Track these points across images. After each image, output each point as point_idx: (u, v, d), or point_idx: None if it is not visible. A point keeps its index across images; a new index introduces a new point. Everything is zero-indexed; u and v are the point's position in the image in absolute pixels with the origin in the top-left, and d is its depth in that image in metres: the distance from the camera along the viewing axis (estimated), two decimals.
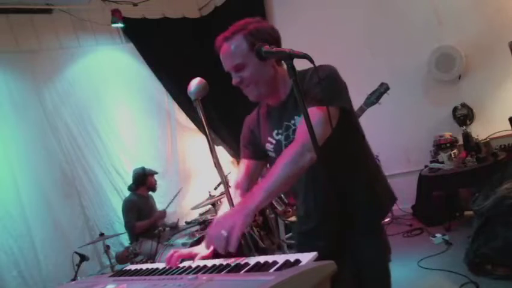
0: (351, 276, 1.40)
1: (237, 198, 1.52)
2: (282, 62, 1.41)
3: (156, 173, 4.54)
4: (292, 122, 1.43)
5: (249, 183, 1.60)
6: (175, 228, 4.34)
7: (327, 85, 1.31)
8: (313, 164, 1.23)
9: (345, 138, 1.37)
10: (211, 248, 1.35)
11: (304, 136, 1.14)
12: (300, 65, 1.22)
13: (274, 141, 1.50)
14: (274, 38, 1.38)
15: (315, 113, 1.23)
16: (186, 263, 1.29)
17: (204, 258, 1.32)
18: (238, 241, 1.07)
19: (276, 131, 1.49)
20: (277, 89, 1.45)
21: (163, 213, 4.46)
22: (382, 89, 2.89)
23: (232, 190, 1.56)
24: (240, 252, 1.13)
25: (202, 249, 1.37)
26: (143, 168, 4.42)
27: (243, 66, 1.36)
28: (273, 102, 1.50)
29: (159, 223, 4.28)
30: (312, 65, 1.15)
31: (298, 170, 1.23)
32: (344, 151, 1.39)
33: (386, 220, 4.69)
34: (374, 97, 2.87)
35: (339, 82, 1.38)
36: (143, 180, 4.38)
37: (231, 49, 1.36)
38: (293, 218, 3.37)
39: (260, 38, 1.33)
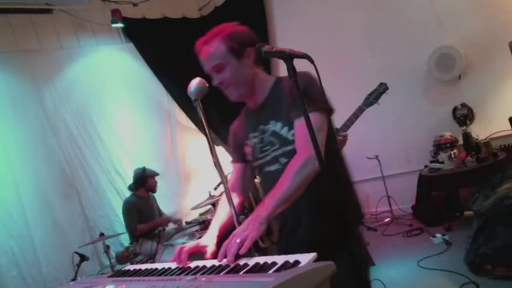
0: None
1: (234, 200, 1.54)
2: (260, 64, 1.48)
3: (157, 174, 4.48)
4: (267, 126, 1.46)
5: (243, 185, 1.63)
6: (178, 227, 4.33)
7: (314, 93, 1.32)
8: None
9: (327, 142, 1.36)
10: (216, 239, 1.40)
11: (308, 145, 1.17)
12: (301, 65, 1.23)
13: (252, 144, 1.53)
14: (251, 39, 1.44)
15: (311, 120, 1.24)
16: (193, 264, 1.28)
17: (213, 253, 1.34)
18: (250, 246, 1.12)
19: (252, 134, 1.52)
20: (255, 91, 1.48)
21: (167, 220, 4.42)
22: (381, 89, 2.89)
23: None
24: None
25: (207, 240, 1.40)
26: (143, 169, 4.35)
27: (223, 67, 1.41)
28: (251, 105, 1.54)
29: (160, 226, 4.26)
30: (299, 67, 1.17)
31: (306, 179, 1.26)
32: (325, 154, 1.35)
33: (386, 220, 4.70)
34: (373, 97, 2.87)
35: (321, 87, 1.37)
36: (143, 182, 4.34)
37: (210, 51, 1.42)
38: None
39: (237, 40, 1.41)
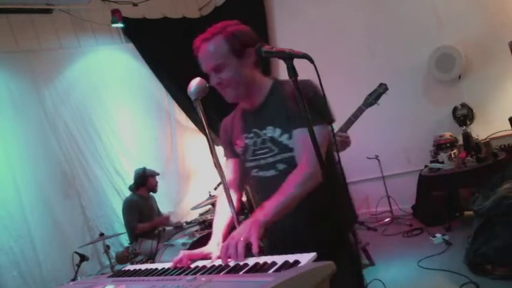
0: None
1: (232, 196, 1.53)
2: (259, 65, 1.45)
3: (157, 174, 4.50)
4: (264, 131, 1.44)
5: (240, 180, 1.62)
6: (179, 228, 4.32)
7: (320, 104, 1.31)
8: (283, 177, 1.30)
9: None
10: (221, 243, 1.37)
11: (311, 157, 1.18)
12: (301, 65, 1.22)
13: (242, 144, 1.52)
14: (252, 39, 1.39)
15: (317, 132, 1.20)
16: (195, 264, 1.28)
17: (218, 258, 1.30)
18: (258, 244, 1.12)
19: (245, 135, 1.51)
20: (253, 93, 1.45)
21: (166, 219, 4.41)
22: (381, 90, 2.88)
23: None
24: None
25: (212, 248, 1.37)
26: (144, 169, 4.37)
27: (223, 67, 1.37)
28: (247, 106, 1.51)
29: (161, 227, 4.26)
30: (292, 71, 1.15)
31: (306, 192, 1.27)
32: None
33: (386, 220, 4.70)
34: (373, 98, 2.86)
35: (324, 97, 1.34)
36: (144, 181, 4.35)
37: (210, 50, 1.37)
38: None
39: (240, 40, 1.36)
